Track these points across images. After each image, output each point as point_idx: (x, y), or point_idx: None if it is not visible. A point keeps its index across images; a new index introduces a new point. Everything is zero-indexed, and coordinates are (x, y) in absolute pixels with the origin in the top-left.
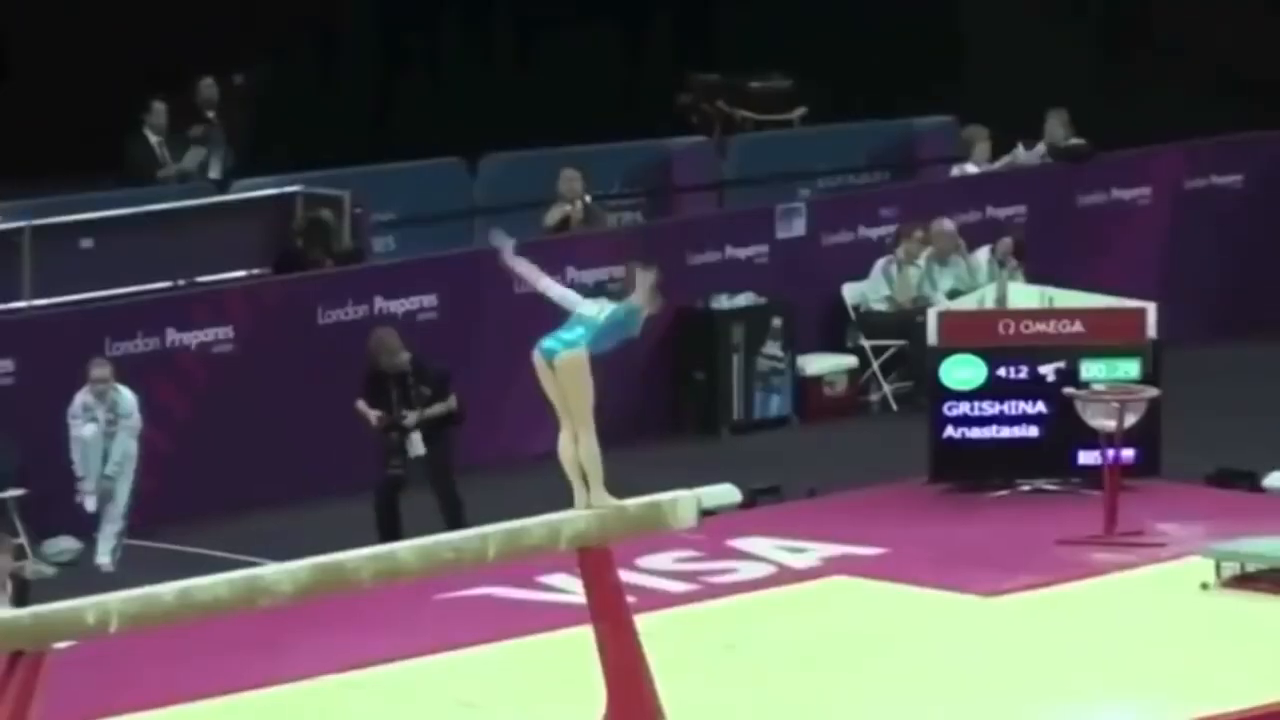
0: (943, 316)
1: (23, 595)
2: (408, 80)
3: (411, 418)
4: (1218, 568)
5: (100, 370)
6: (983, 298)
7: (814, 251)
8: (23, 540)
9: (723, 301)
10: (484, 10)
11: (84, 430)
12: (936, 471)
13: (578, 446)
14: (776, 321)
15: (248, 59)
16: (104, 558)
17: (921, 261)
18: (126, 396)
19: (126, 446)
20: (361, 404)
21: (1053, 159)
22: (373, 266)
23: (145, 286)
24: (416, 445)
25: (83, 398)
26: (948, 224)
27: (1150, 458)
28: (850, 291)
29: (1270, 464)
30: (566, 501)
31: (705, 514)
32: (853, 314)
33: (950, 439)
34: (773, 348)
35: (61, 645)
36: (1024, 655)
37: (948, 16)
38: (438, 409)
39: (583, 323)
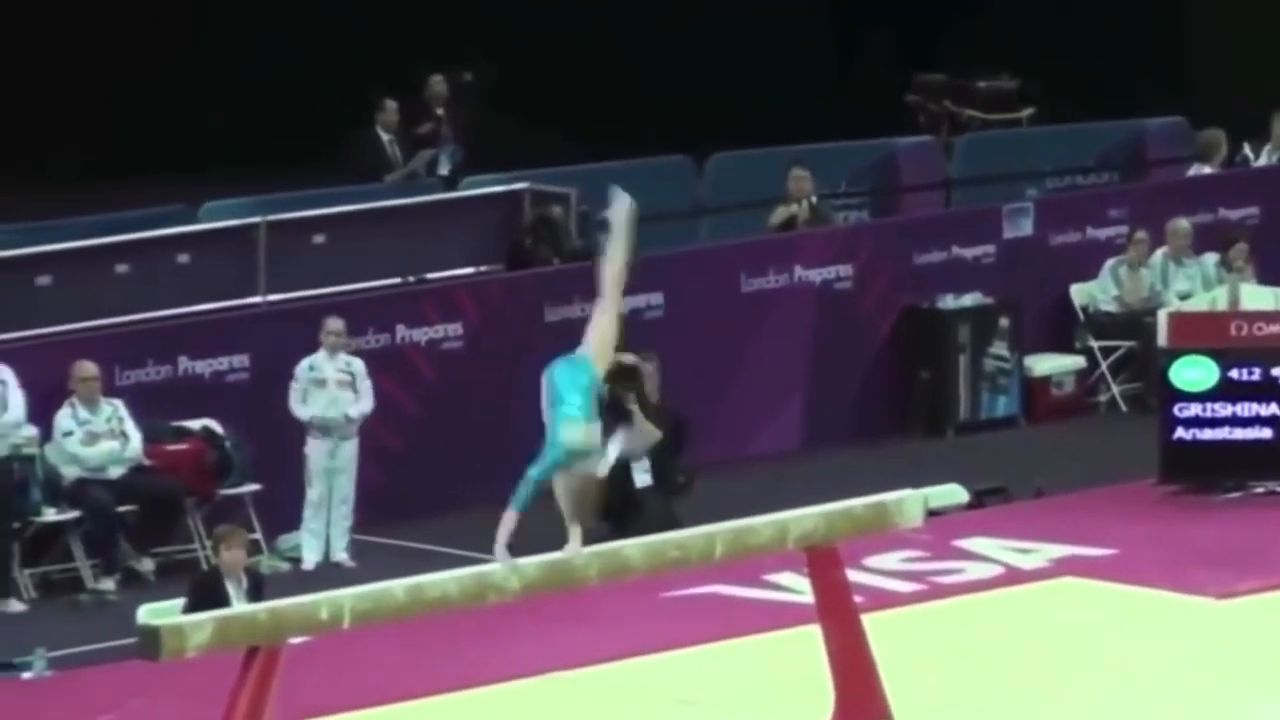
0: (1173, 317)
1: (258, 590)
2: (635, 77)
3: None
4: None
5: (335, 323)
6: (1215, 299)
7: (1041, 251)
8: (258, 535)
9: (949, 301)
10: (712, 7)
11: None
12: (1166, 473)
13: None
14: (1003, 321)
15: (477, 55)
16: (341, 554)
17: (1156, 261)
18: (360, 363)
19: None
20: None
21: None
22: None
23: (376, 283)
24: (643, 475)
25: (310, 360)
26: (1184, 223)
27: None
28: (1079, 292)
29: None
30: (791, 500)
31: (931, 514)
32: (1081, 314)
33: (1180, 440)
34: (1000, 348)
35: (295, 640)
36: (1258, 657)
37: (1174, 14)
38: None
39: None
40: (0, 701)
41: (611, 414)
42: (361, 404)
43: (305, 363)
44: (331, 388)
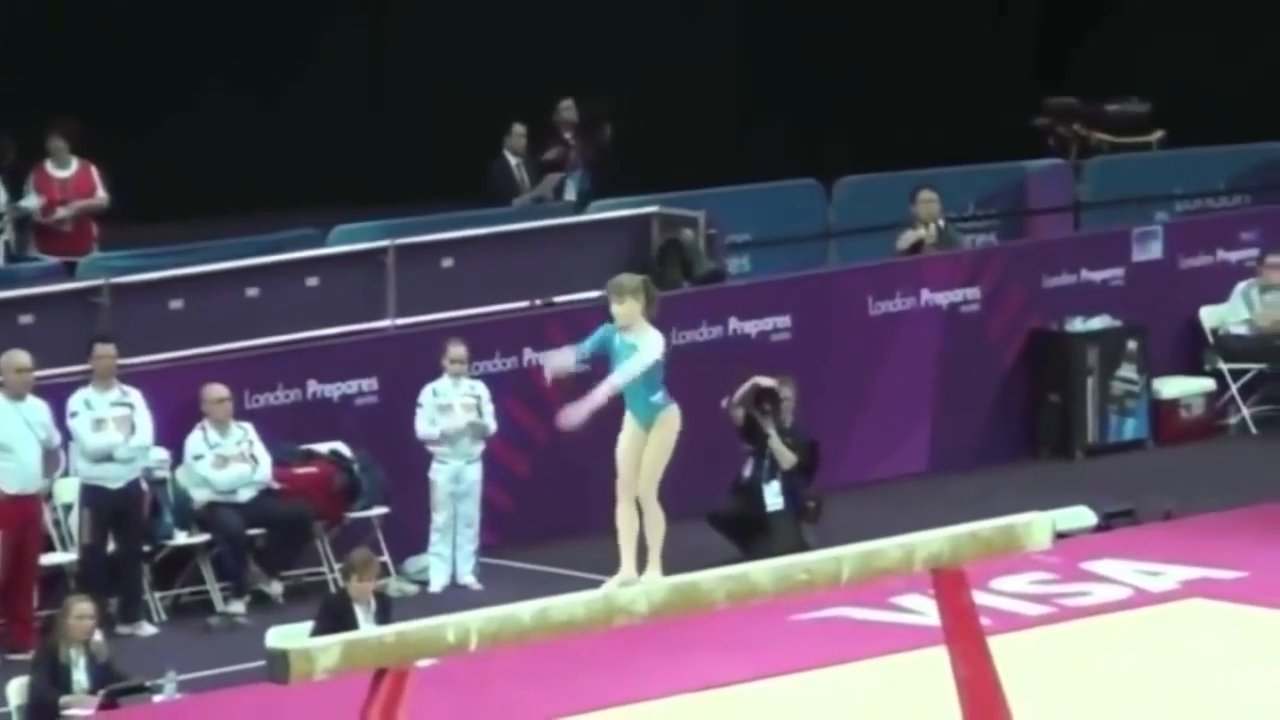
0: None
1: (386, 613)
2: (764, 101)
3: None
4: None
5: (457, 349)
6: None
7: (1171, 274)
8: (385, 558)
9: (1078, 324)
10: (838, 31)
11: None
12: None
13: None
14: (1132, 344)
15: (606, 83)
16: (467, 577)
17: None
18: (483, 387)
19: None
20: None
21: None
22: (727, 287)
23: (503, 306)
24: (775, 498)
25: (434, 385)
26: None
27: None
28: (1209, 315)
29: None
30: (918, 523)
31: (1060, 536)
32: (1210, 337)
33: None
34: (1128, 370)
35: (423, 663)
36: None
37: None
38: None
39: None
40: None
41: (748, 437)
42: (487, 421)
43: (429, 388)
44: (457, 412)
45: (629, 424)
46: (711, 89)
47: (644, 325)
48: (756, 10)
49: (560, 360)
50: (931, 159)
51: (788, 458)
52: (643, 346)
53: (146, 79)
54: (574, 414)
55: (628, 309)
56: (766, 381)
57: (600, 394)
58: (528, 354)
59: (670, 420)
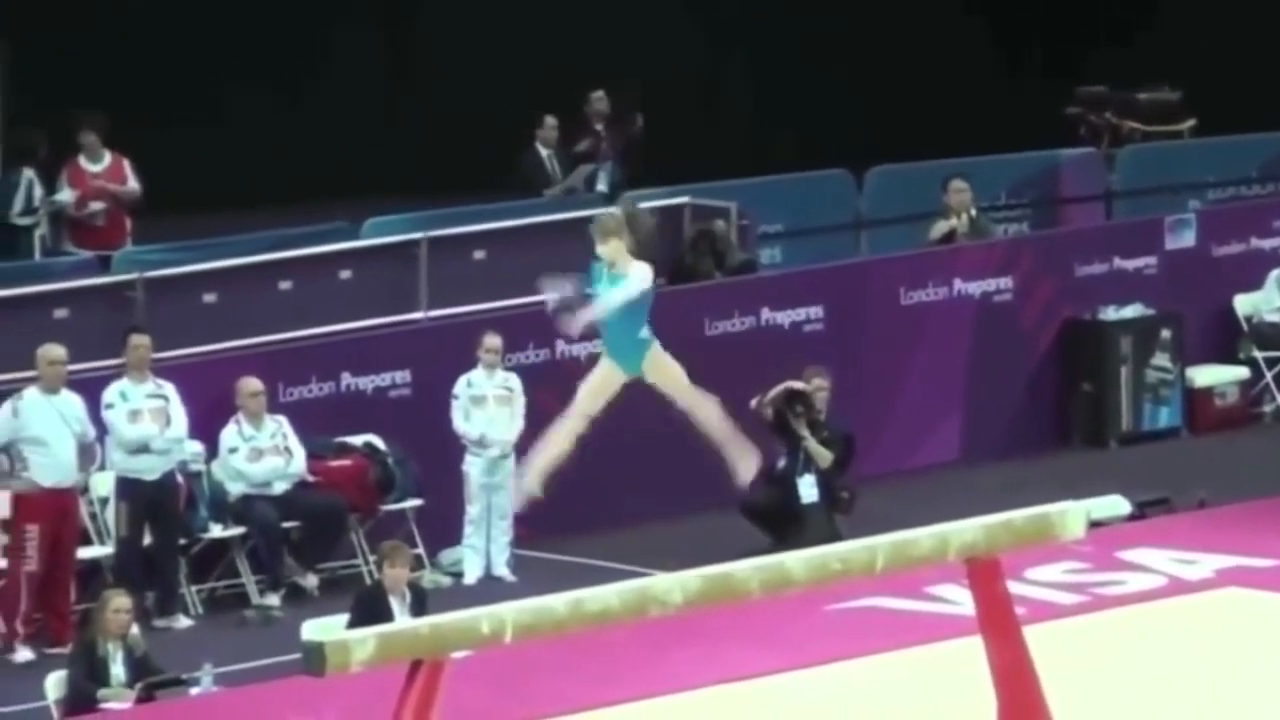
0: None
1: (421, 605)
2: (793, 91)
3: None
4: None
5: (493, 340)
6: None
7: (1204, 262)
8: (420, 550)
9: (1110, 313)
10: (871, 21)
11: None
12: None
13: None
14: (1165, 333)
15: (637, 72)
16: (502, 569)
17: None
18: (516, 379)
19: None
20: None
21: None
22: (759, 278)
23: (535, 298)
24: (809, 490)
25: (469, 376)
26: None
27: None
28: (1242, 303)
29: None
30: (952, 513)
31: (1094, 525)
32: (1244, 325)
33: None
34: (1162, 359)
35: (458, 655)
36: None
37: None
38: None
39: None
40: (169, 717)
41: (781, 437)
42: (517, 421)
43: (463, 379)
44: (490, 405)
45: (606, 366)
46: (731, 82)
47: (630, 260)
48: (758, 12)
49: (561, 289)
50: (963, 148)
51: (825, 457)
52: (631, 276)
53: (178, 73)
54: (573, 325)
55: (612, 248)
56: (799, 385)
57: (593, 311)
58: (560, 346)
59: (660, 354)
